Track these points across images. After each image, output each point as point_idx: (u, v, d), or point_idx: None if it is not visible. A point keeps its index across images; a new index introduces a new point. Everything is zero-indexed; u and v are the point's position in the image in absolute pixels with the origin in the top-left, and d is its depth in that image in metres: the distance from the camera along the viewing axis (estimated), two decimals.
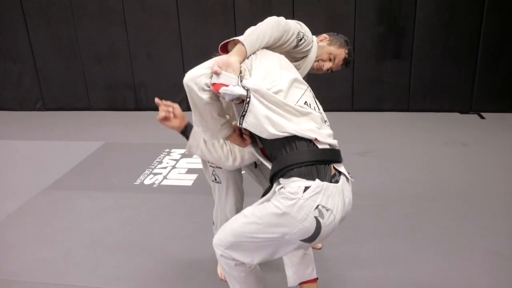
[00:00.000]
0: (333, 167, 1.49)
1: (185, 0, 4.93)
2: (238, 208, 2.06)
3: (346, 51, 1.94)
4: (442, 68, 4.73)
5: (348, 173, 1.54)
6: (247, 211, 1.56)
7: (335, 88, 4.94)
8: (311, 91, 1.61)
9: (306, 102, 1.52)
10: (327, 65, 1.94)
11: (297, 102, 1.48)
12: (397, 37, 4.72)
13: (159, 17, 5.05)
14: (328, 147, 1.49)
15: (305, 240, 1.45)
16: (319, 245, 2.44)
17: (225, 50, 1.62)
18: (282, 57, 1.62)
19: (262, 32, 1.58)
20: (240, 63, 1.50)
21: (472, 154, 3.71)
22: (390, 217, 2.75)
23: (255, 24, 1.63)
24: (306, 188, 1.40)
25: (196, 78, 1.45)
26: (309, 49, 1.86)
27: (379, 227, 2.65)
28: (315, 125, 1.49)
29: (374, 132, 4.39)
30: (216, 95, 1.47)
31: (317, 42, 1.92)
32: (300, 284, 1.92)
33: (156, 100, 1.68)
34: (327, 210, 1.42)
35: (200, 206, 2.97)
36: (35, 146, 4.38)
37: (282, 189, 1.45)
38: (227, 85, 1.42)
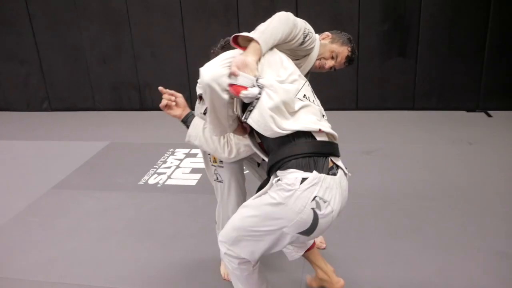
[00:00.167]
0: (331, 160, 1.49)
1: (188, 0, 4.94)
2: None
3: (349, 48, 1.91)
4: (448, 66, 4.69)
5: (346, 168, 1.55)
6: (245, 205, 1.58)
7: (340, 87, 4.92)
8: (309, 85, 1.61)
9: (305, 95, 1.53)
10: (329, 63, 1.92)
11: (296, 95, 1.49)
12: (402, 35, 4.69)
13: (163, 18, 5.06)
14: (326, 139, 1.50)
15: (302, 233, 1.46)
16: (323, 245, 2.43)
17: (235, 41, 1.59)
18: (283, 54, 1.62)
19: (275, 29, 1.56)
20: (257, 62, 1.49)
21: (478, 153, 3.67)
22: (394, 217, 2.73)
23: (258, 24, 1.61)
24: (303, 179, 1.41)
25: (219, 78, 1.42)
26: (312, 47, 1.85)
27: (382, 226, 2.63)
28: (315, 118, 1.50)
29: (378, 131, 4.37)
30: (232, 95, 1.46)
31: (320, 40, 1.91)
32: (305, 253, 1.98)
33: (160, 88, 1.77)
34: (324, 201, 1.42)
35: (204, 206, 2.97)
36: (41, 146, 4.41)
37: (279, 181, 1.45)
38: (245, 87, 1.41)
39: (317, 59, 1.89)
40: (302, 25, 1.71)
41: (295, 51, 1.77)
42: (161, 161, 3.85)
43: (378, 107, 4.98)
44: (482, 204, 2.83)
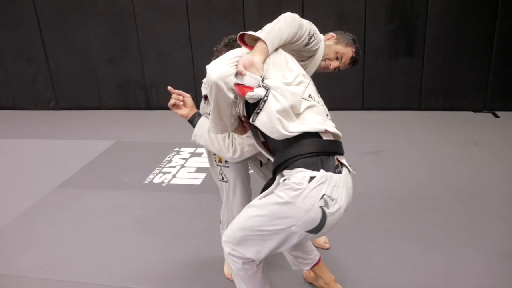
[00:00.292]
0: (336, 158, 1.50)
1: (195, 0, 4.95)
2: None
3: (354, 49, 1.91)
4: (455, 65, 4.66)
5: (349, 166, 1.56)
6: (251, 204, 1.58)
7: (346, 87, 4.91)
8: (313, 84, 1.62)
9: (310, 95, 1.54)
10: (334, 64, 1.92)
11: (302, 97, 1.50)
12: (409, 34, 4.66)
13: (169, 18, 5.08)
14: (332, 138, 1.51)
15: (310, 231, 1.46)
16: (327, 245, 2.43)
17: (241, 39, 1.59)
18: (288, 55, 1.62)
19: (282, 29, 1.56)
20: (263, 62, 1.50)
21: (484, 153, 3.65)
22: (398, 218, 2.72)
23: (263, 25, 1.62)
24: (311, 178, 1.41)
25: (226, 77, 1.42)
26: (317, 48, 1.84)
27: (387, 227, 2.62)
28: (321, 118, 1.51)
29: (384, 131, 4.35)
30: (237, 94, 1.47)
31: (324, 41, 1.90)
32: (311, 268, 2.02)
33: (169, 88, 1.81)
34: (332, 200, 1.43)
35: (209, 205, 2.98)
36: (48, 145, 4.45)
37: (286, 180, 1.45)
38: (251, 88, 1.42)
39: (322, 60, 1.89)
40: (308, 26, 1.71)
41: (301, 52, 1.77)
42: (166, 160, 3.86)
43: (384, 107, 4.96)
44: (487, 205, 2.81)
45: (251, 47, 1.55)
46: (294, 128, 1.44)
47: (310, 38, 1.71)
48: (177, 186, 3.37)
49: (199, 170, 3.63)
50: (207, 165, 3.62)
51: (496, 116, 4.60)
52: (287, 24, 1.59)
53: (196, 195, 3.20)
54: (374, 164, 3.55)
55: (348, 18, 4.68)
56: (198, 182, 3.41)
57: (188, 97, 1.84)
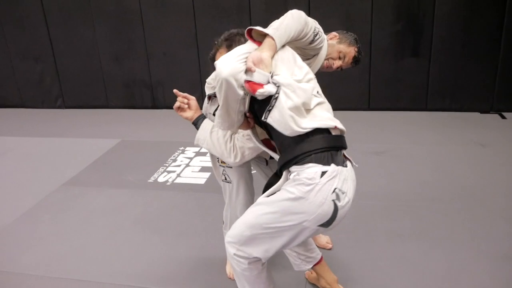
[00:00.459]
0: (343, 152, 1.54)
1: None
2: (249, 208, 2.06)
3: (356, 49, 1.92)
4: (461, 66, 4.61)
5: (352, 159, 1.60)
6: (259, 202, 1.56)
7: (352, 87, 4.89)
8: (317, 82, 1.63)
9: (318, 92, 1.55)
10: (337, 63, 1.92)
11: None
12: (415, 35, 4.63)
13: (175, 17, 5.09)
14: (339, 133, 1.54)
15: (322, 225, 1.47)
16: (330, 245, 2.42)
17: (249, 34, 1.59)
18: (293, 51, 1.62)
19: (289, 26, 1.57)
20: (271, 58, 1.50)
21: (490, 155, 3.61)
22: (401, 218, 2.71)
23: (270, 23, 1.62)
24: (323, 173, 1.43)
25: (237, 74, 1.41)
26: (321, 47, 1.84)
27: (390, 228, 2.61)
28: (330, 114, 1.54)
29: (390, 131, 4.32)
30: (247, 91, 1.47)
31: (327, 40, 1.90)
32: (312, 267, 2.02)
33: (175, 91, 1.84)
34: (343, 193, 1.46)
35: (212, 205, 2.98)
36: (53, 143, 4.48)
37: (297, 176, 1.45)
38: (261, 85, 1.42)
39: (325, 59, 1.89)
40: (313, 24, 1.72)
41: (305, 50, 1.78)
42: (171, 159, 3.87)
43: (390, 107, 4.93)
44: (491, 207, 2.79)
45: (258, 42, 1.55)
46: (307, 124, 1.45)
47: (315, 36, 1.72)
48: (182, 185, 3.37)
49: (203, 169, 3.63)
50: (211, 164, 3.62)
51: (503, 117, 4.56)
52: (294, 20, 1.59)
53: (200, 194, 3.20)
54: (378, 164, 3.53)
55: (355, 18, 4.66)
56: (202, 181, 3.42)
57: (193, 100, 1.86)
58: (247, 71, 1.43)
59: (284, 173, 1.53)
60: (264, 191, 1.61)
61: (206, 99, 1.97)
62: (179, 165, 3.73)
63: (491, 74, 4.59)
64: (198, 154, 3.95)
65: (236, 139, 1.76)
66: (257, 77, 1.42)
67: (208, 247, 2.52)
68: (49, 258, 2.50)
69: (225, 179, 2.04)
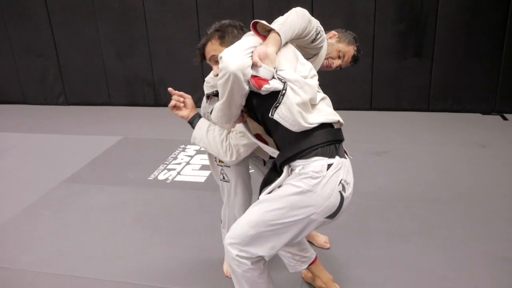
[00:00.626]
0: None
1: None
2: (247, 207, 2.05)
3: (355, 48, 1.92)
4: (464, 67, 4.60)
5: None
6: (262, 200, 1.55)
7: (354, 87, 4.88)
8: None
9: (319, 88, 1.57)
10: (337, 62, 1.93)
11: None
12: (418, 35, 4.62)
13: (178, 15, 5.09)
14: (339, 127, 1.57)
15: (329, 217, 1.49)
16: (327, 245, 2.42)
17: (254, 28, 1.59)
18: (295, 49, 1.63)
19: (294, 22, 1.57)
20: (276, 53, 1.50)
21: (491, 156, 3.60)
22: (400, 219, 2.71)
23: (272, 22, 1.62)
24: (329, 165, 1.45)
25: (245, 69, 1.40)
26: (322, 46, 1.85)
27: (389, 228, 2.61)
28: (332, 109, 1.56)
29: (391, 132, 4.32)
30: (252, 86, 1.46)
31: (327, 39, 1.90)
32: (308, 267, 2.02)
33: (169, 89, 1.83)
34: (347, 183, 1.50)
35: (211, 203, 2.98)
36: (55, 140, 4.49)
37: (303, 170, 1.46)
38: (266, 80, 1.42)
39: (324, 59, 1.90)
40: (315, 22, 1.72)
41: (306, 49, 1.78)
42: (172, 157, 3.88)
43: (392, 107, 4.92)
44: (492, 208, 2.78)
45: (262, 36, 1.55)
46: (313, 119, 1.47)
47: (317, 34, 1.72)
48: (182, 183, 3.38)
49: (204, 167, 3.64)
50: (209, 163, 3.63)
51: (505, 118, 4.54)
52: (299, 18, 1.60)
53: (199, 192, 3.21)
54: (379, 164, 3.53)
55: (358, 17, 4.65)
56: (202, 179, 3.43)
57: (188, 99, 1.85)
58: (253, 66, 1.42)
59: (285, 168, 1.53)
60: (262, 187, 1.61)
61: (204, 98, 1.96)
62: (179, 163, 3.74)
63: (493, 76, 4.57)
64: (198, 152, 3.95)
65: (230, 137, 1.76)
66: (262, 72, 1.42)
67: (208, 245, 2.52)
68: (49, 254, 2.51)
69: (223, 178, 2.04)
